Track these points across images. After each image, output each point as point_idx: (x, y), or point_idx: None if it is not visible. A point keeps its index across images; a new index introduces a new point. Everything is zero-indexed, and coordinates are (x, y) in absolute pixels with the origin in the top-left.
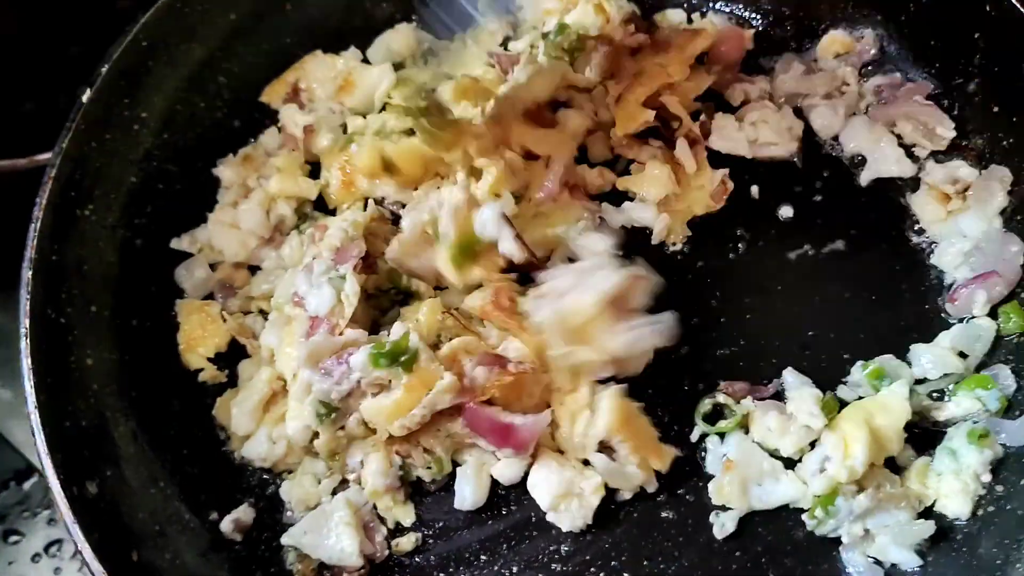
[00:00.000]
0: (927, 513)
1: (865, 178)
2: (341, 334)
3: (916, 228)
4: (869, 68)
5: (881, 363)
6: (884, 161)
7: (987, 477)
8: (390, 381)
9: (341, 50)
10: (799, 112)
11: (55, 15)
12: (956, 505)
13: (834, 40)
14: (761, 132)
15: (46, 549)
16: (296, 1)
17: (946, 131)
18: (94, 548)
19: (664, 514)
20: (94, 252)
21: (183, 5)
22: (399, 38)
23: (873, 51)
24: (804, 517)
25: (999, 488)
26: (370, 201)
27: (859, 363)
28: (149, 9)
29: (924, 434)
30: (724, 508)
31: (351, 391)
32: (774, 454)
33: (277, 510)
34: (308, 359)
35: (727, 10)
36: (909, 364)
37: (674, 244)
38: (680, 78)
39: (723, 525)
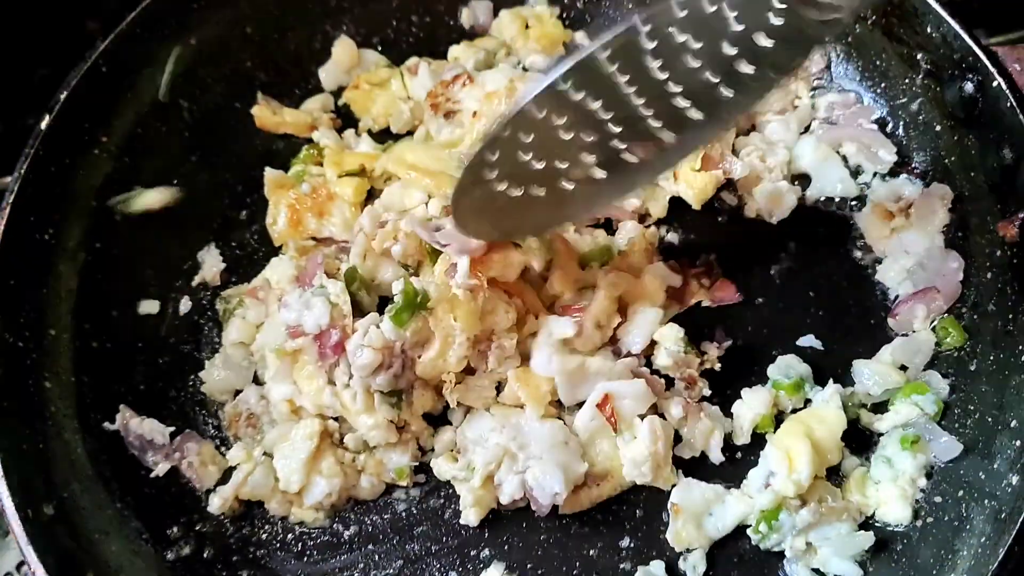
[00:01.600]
0: (868, 524)
1: (810, 196)
2: (355, 331)
3: (861, 245)
4: (821, 85)
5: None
6: (828, 181)
7: (923, 482)
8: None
9: (297, 71)
10: (753, 129)
11: (23, 37)
12: (896, 511)
13: None
14: None
15: (18, 568)
16: (257, 24)
17: (888, 154)
18: (49, 571)
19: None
20: (54, 276)
21: (143, 31)
22: (343, 54)
23: (821, 65)
24: (748, 531)
25: (937, 499)
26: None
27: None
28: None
29: (860, 436)
30: (689, 550)
31: (403, 365)
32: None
33: (235, 532)
34: (364, 369)
35: None
36: (852, 379)
37: None
38: None
39: (694, 567)
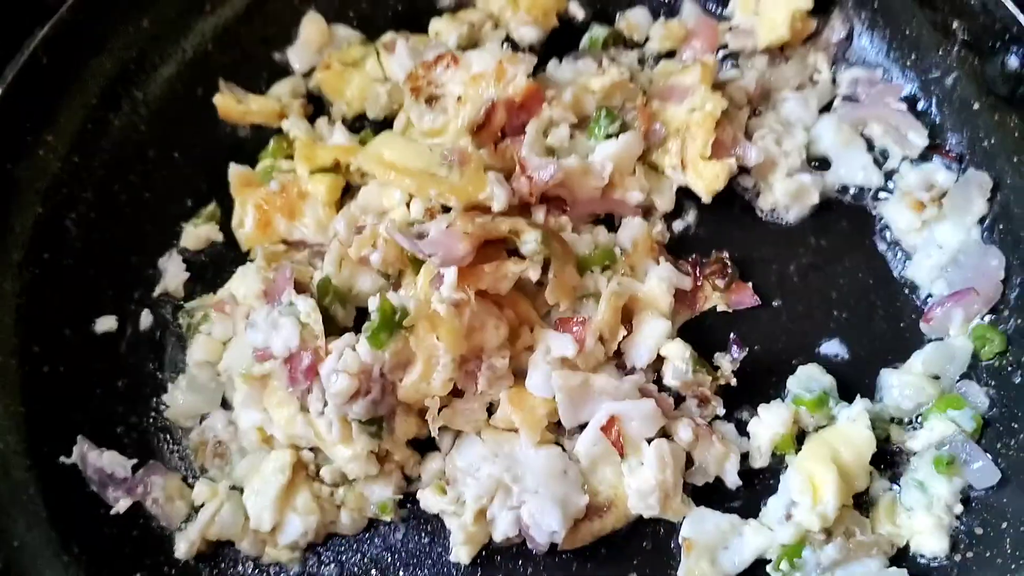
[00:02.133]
0: (901, 556)
1: (830, 183)
2: (328, 353)
3: (888, 238)
4: (843, 58)
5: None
6: (850, 167)
7: (959, 508)
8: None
9: (263, 51)
10: (768, 107)
11: None
12: (932, 543)
13: None
14: None
15: None
16: (217, 2)
17: (919, 138)
18: None
19: None
20: None
21: (87, 15)
22: (313, 31)
23: (842, 34)
24: (768, 568)
25: (978, 530)
26: None
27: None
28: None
29: (889, 455)
30: None
31: (383, 390)
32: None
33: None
34: (339, 396)
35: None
36: (880, 391)
37: None
38: None
39: None
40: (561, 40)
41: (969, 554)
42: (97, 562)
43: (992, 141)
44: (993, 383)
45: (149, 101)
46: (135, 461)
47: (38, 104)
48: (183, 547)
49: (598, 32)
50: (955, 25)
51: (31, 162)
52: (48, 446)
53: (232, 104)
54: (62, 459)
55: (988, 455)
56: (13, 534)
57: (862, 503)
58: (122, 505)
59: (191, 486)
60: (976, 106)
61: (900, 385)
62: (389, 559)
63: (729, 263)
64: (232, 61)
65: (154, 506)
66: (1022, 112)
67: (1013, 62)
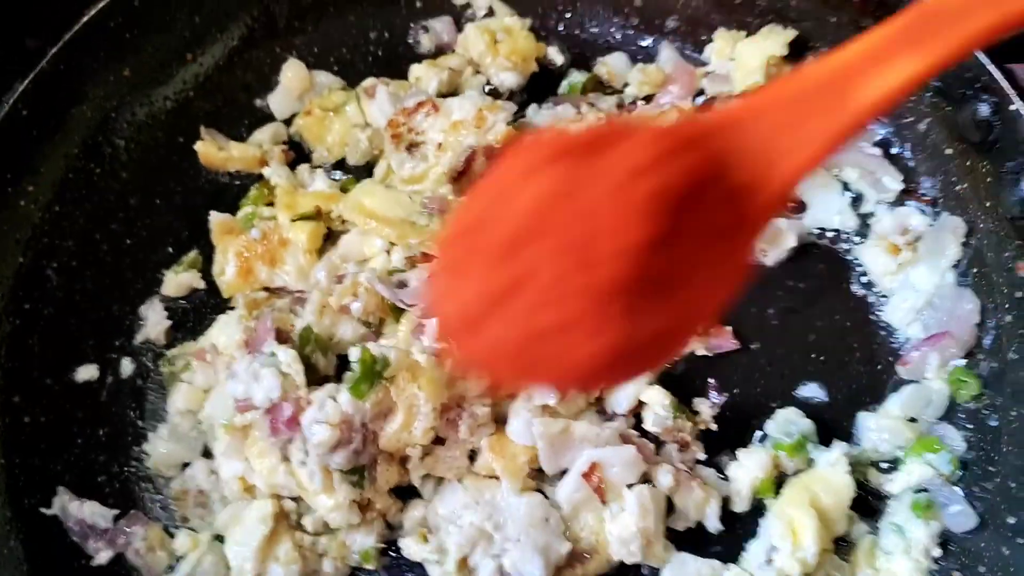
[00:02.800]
0: None
1: (806, 226)
2: (309, 403)
3: (864, 281)
4: None
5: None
6: (826, 211)
7: (937, 552)
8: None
9: (244, 98)
10: None
11: None
12: None
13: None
14: None
15: None
16: (198, 51)
17: (892, 182)
18: None
19: None
20: None
21: (67, 66)
22: (294, 78)
23: None
24: None
25: (956, 574)
26: None
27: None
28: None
29: (868, 498)
30: None
31: (364, 440)
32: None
33: None
34: (321, 446)
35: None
36: (857, 434)
37: None
38: None
39: None
40: (541, 85)
41: None
42: None
43: (964, 186)
44: (970, 426)
45: (130, 149)
46: (117, 511)
47: (19, 155)
48: None
49: (577, 78)
50: None
51: (12, 213)
52: (29, 497)
53: (213, 151)
54: (43, 510)
55: (965, 499)
56: None
57: (842, 547)
58: (103, 556)
59: (173, 536)
60: (949, 151)
61: (877, 428)
62: None
63: None
64: (213, 108)
65: (136, 557)
66: (993, 158)
67: (983, 110)
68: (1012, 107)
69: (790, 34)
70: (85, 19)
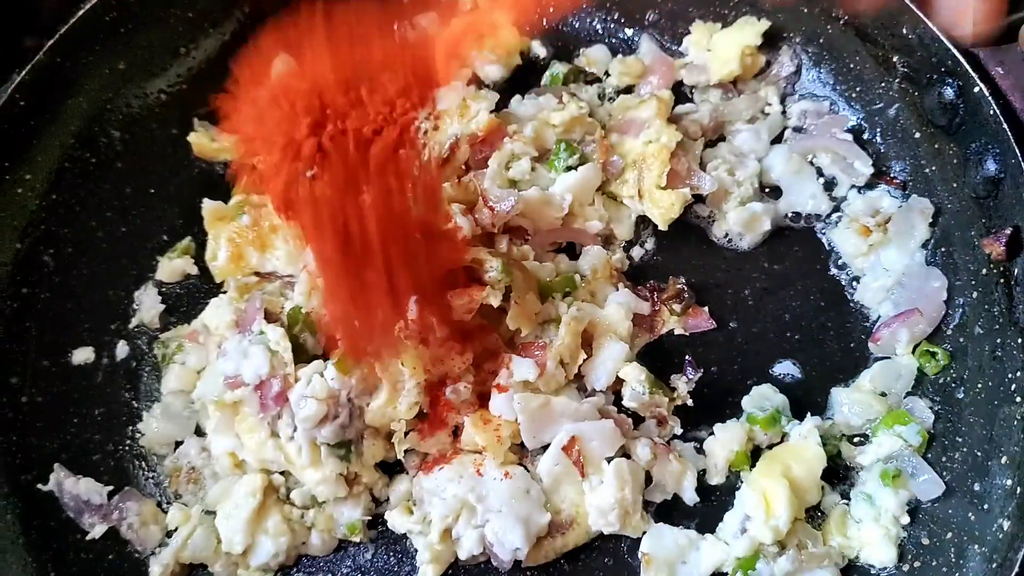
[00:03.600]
0: (851, 567)
1: (781, 210)
2: (297, 380)
3: (838, 262)
4: (794, 95)
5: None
6: (800, 195)
7: (905, 519)
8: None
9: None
10: (722, 139)
11: None
12: (880, 553)
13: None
14: None
15: None
16: (192, 42)
17: (863, 166)
18: None
19: None
20: None
21: (64, 59)
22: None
23: (791, 69)
24: None
25: (924, 540)
26: None
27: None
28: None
29: (840, 470)
30: None
31: (350, 415)
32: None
33: None
34: (308, 421)
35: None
36: (830, 408)
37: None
38: None
39: None
40: (524, 77)
41: (916, 563)
42: None
43: (933, 168)
44: (938, 399)
45: (125, 140)
46: (111, 488)
47: (16, 145)
48: (157, 571)
49: (559, 69)
50: (895, 59)
51: (9, 200)
52: (26, 474)
53: (206, 142)
54: (39, 487)
55: (933, 468)
56: None
57: (814, 516)
58: (98, 531)
59: (165, 511)
60: (917, 135)
61: (849, 403)
62: None
63: (686, 288)
64: (206, 101)
65: (129, 531)
66: (958, 141)
67: (949, 93)
68: (976, 89)
69: (764, 25)
70: (81, 12)
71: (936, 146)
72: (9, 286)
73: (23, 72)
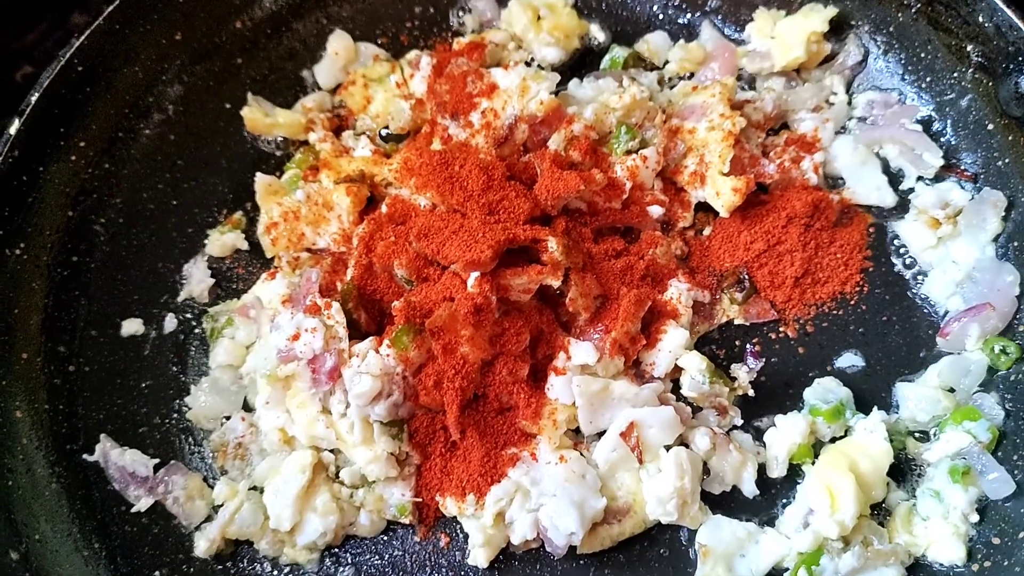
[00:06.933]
0: (917, 565)
1: (844, 201)
2: (351, 356)
3: (904, 255)
4: (859, 81)
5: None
6: (865, 187)
7: (975, 517)
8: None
9: (290, 67)
10: (785, 127)
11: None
12: (948, 551)
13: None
14: None
15: None
16: (247, 18)
17: (933, 158)
18: None
19: None
20: (26, 295)
21: (122, 26)
22: (340, 48)
23: (858, 57)
24: None
25: (995, 540)
26: None
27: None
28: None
29: (904, 466)
30: None
31: (404, 394)
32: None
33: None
34: (361, 397)
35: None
36: (895, 403)
37: None
38: None
39: None
40: (583, 62)
41: (987, 563)
42: (117, 558)
43: (1006, 161)
44: (1009, 396)
45: (179, 112)
46: (157, 461)
47: (71, 110)
48: (203, 545)
49: (619, 53)
50: (969, 48)
51: (63, 166)
52: (71, 444)
53: (260, 117)
54: (85, 457)
55: (1003, 466)
56: (35, 529)
57: (879, 513)
58: (143, 503)
59: (211, 486)
60: (990, 127)
61: (916, 398)
62: (407, 562)
63: (746, 277)
64: (260, 76)
65: (174, 505)
66: None
67: None
68: None
69: (831, 12)
70: None
71: (1010, 138)
72: (60, 253)
73: (82, 37)
